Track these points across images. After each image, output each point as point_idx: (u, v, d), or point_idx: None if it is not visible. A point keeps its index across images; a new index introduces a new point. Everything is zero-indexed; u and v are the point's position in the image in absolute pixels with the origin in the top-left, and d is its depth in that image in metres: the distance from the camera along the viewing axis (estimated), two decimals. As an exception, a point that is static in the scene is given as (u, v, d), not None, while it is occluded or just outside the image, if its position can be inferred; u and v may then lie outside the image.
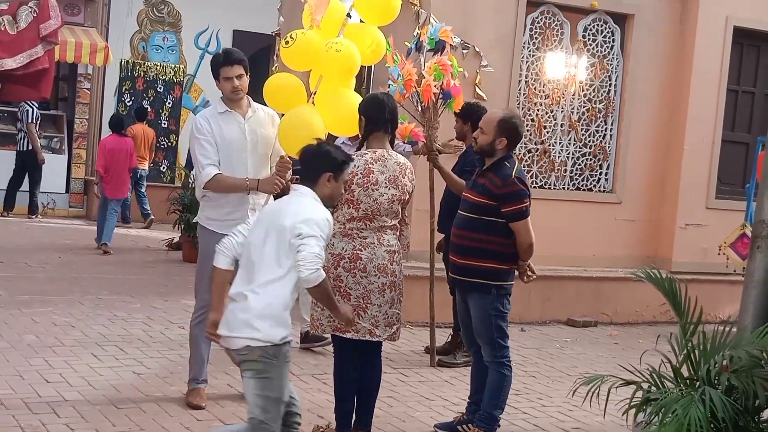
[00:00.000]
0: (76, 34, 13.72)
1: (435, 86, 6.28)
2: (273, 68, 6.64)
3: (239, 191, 5.12)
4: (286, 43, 5.22)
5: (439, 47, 6.46)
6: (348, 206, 4.59)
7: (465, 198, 5.04)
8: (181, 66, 15.22)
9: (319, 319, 4.64)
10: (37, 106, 13.56)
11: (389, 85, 6.51)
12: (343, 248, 4.58)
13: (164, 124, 15.13)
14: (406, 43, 6.84)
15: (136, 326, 7.11)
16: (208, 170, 5.07)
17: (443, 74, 6.30)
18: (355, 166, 4.54)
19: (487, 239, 4.83)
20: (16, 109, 13.92)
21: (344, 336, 4.61)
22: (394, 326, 4.72)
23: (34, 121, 13.50)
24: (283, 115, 5.26)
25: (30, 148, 13.48)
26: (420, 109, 6.47)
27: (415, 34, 6.78)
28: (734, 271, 8.88)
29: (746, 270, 4.13)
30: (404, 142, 6.25)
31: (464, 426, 5.07)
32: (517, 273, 4.98)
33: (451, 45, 6.61)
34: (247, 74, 5.19)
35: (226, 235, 5.21)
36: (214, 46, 15.24)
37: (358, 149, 4.79)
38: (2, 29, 7.67)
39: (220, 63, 5.18)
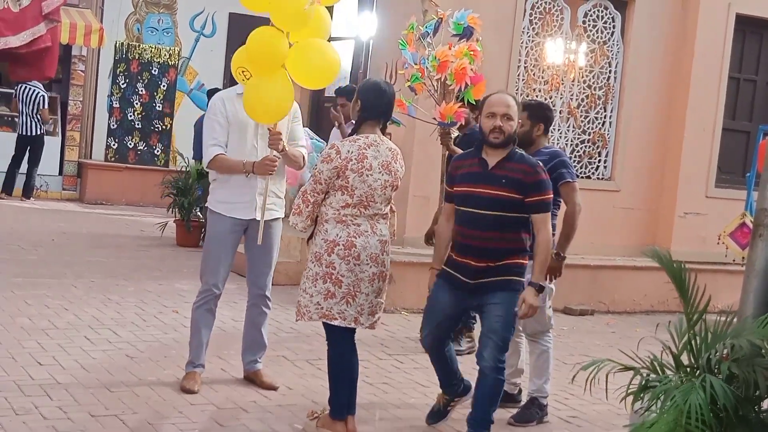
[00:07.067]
0: (70, 15, 13.58)
1: (471, 69, 6.19)
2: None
3: (237, 173, 5.09)
4: None
5: (466, 33, 6.37)
6: (342, 192, 4.50)
7: (481, 194, 4.54)
8: (176, 48, 15.08)
9: (307, 306, 4.58)
10: (43, 89, 13.46)
11: (405, 67, 6.45)
12: (337, 235, 4.51)
13: (159, 107, 15.00)
14: (420, 27, 6.69)
15: (130, 309, 7.05)
16: (210, 150, 5.10)
17: (474, 59, 6.22)
18: (348, 151, 4.48)
19: (518, 237, 4.57)
20: (12, 91, 13.82)
21: (332, 323, 4.56)
22: (377, 315, 4.68)
23: (47, 107, 13.46)
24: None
25: (39, 132, 13.42)
26: (442, 91, 6.37)
27: (432, 18, 6.66)
28: (733, 260, 8.84)
29: (747, 259, 4.07)
30: (446, 122, 6.18)
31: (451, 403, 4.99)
32: None
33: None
34: None
35: (234, 218, 5.16)
36: (209, 28, 15.11)
37: (351, 134, 4.71)
38: (5, 6, 7.56)
39: None
